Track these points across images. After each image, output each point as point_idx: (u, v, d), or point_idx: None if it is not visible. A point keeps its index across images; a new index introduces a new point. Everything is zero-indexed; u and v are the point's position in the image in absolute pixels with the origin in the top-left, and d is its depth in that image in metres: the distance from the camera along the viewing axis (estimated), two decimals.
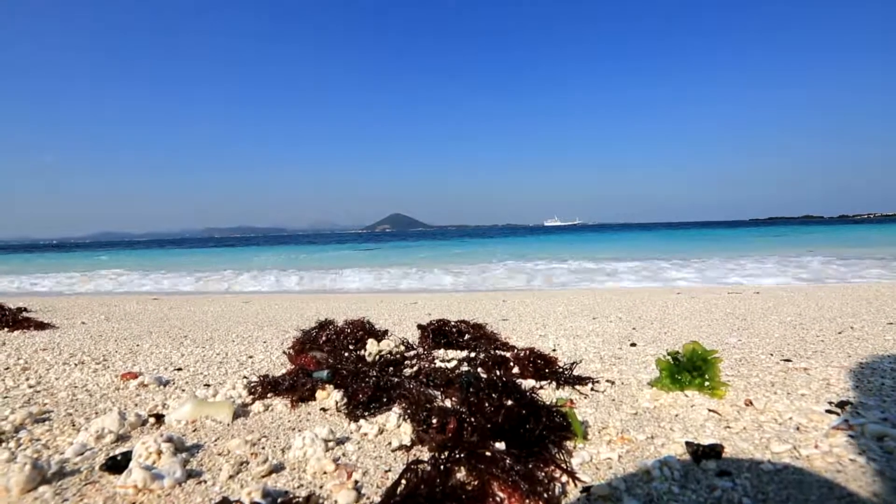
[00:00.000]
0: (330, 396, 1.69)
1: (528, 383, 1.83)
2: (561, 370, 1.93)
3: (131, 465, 1.13)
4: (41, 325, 3.68)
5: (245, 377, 2.08)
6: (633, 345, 2.59)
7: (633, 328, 3.17)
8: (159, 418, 1.55)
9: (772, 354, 2.20)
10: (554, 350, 2.50)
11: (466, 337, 2.56)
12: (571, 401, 1.62)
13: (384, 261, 15.10)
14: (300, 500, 1.00)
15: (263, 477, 1.14)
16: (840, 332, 2.71)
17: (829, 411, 1.40)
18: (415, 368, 2.03)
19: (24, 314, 4.03)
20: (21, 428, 1.49)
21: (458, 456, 1.06)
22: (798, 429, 1.30)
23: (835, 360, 2.01)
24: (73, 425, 1.52)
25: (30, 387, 1.99)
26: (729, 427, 1.34)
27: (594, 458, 1.19)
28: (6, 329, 3.52)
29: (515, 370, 1.97)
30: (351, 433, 1.41)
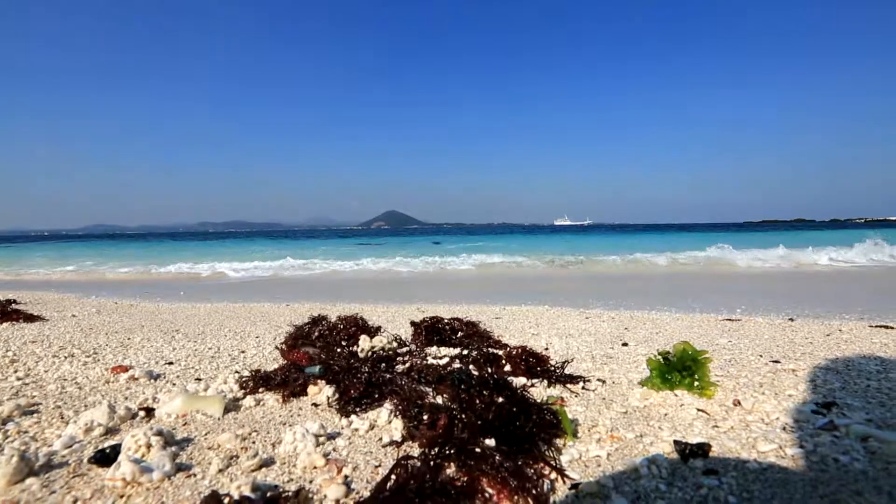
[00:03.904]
0: (322, 392, 1.69)
1: (519, 381, 1.84)
2: (552, 369, 1.94)
3: (120, 457, 1.13)
4: (31, 318, 3.65)
5: (237, 372, 2.07)
6: (625, 344, 2.61)
7: (626, 328, 3.19)
8: (149, 412, 1.54)
9: (761, 356, 2.23)
10: (546, 349, 2.51)
11: (459, 334, 2.57)
12: (562, 399, 1.63)
13: None
14: (290, 494, 1.00)
15: (253, 471, 1.14)
16: (828, 335, 2.74)
17: (815, 412, 1.42)
18: (407, 365, 2.03)
19: (14, 306, 4.00)
20: (9, 420, 1.48)
21: (448, 452, 1.07)
22: (784, 429, 1.31)
23: (822, 362, 2.04)
24: (62, 418, 1.52)
25: (18, 379, 1.98)
26: (717, 426, 1.36)
27: (583, 456, 1.20)
28: None
29: (507, 368, 1.98)
30: (342, 428, 1.41)
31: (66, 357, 2.39)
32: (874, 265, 9.10)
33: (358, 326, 2.49)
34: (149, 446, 1.19)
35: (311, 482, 1.09)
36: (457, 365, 1.99)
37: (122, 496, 1.03)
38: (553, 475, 1.07)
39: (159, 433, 1.24)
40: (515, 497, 0.96)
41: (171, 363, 2.31)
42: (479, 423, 1.19)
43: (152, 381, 1.98)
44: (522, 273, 9.60)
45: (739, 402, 1.53)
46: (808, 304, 4.45)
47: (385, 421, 1.43)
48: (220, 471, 1.14)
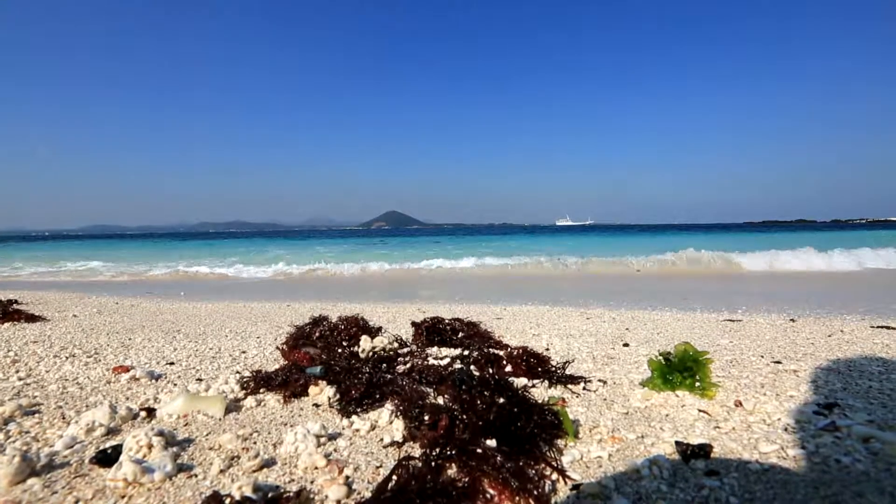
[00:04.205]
0: (323, 392, 1.69)
1: (520, 382, 1.83)
2: (553, 369, 1.94)
3: (121, 458, 1.13)
4: (32, 318, 3.65)
5: (238, 372, 2.08)
6: (626, 345, 2.61)
7: (627, 328, 3.19)
8: (151, 412, 1.54)
9: (762, 356, 2.22)
10: (547, 349, 2.51)
11: (460, 335, 2.56)
12: (563, 399, 1.63)
13: None
14: (291, 494, 1.00)
15: (255, 471, 1.14)
16: (830, 336, 2.74)
17: (816, 413, 1.42)
18: (408, 365, 2.03)
19: (15, 306, 4.00)
20: (10, 420, 1.48)
21: (449, 453, 1.07)
22: (786, 430, 1.31)
23: (824, 363, 2.04)
24: (64, 418, 1.52)
25: (20, 379, 1.98)
26: (718, 427, 1.35)
27: (584, 457, 1.20)
28: None
29: (508, 368, 1.98)
30: (343, 429, 1.41)
31: (67, 357, 2.40)
32: (876, 266, 9.09)
33: (359, 327, 2.49)
34: (150, 447, 1.19)
35: (312, 483, 1.09)
36: (458, 365, 1.99)
37: (123, 496, 1.03)
38: (554, 476, 1.07)
39: (160, 433, 1.24)
40: (517, 498, 0.96)
41: (172, 363, 2.31)
42: (481, 423, 1.19)
43: (153, 381, 1.98)
44: (523, 273, 9.59)
45: (741, 403, 1.52)
46: (809, 304, 4.45)
47: (386, 421, 1.43)
48: (222, 471, 1.14)
